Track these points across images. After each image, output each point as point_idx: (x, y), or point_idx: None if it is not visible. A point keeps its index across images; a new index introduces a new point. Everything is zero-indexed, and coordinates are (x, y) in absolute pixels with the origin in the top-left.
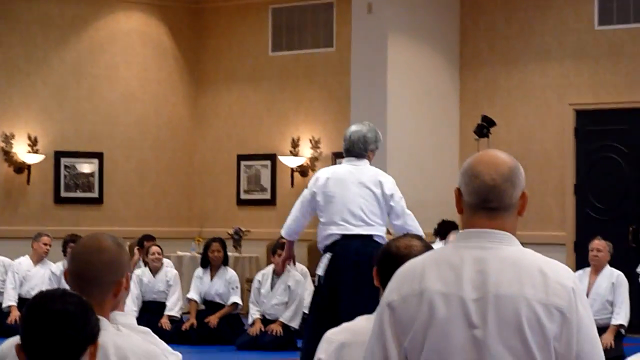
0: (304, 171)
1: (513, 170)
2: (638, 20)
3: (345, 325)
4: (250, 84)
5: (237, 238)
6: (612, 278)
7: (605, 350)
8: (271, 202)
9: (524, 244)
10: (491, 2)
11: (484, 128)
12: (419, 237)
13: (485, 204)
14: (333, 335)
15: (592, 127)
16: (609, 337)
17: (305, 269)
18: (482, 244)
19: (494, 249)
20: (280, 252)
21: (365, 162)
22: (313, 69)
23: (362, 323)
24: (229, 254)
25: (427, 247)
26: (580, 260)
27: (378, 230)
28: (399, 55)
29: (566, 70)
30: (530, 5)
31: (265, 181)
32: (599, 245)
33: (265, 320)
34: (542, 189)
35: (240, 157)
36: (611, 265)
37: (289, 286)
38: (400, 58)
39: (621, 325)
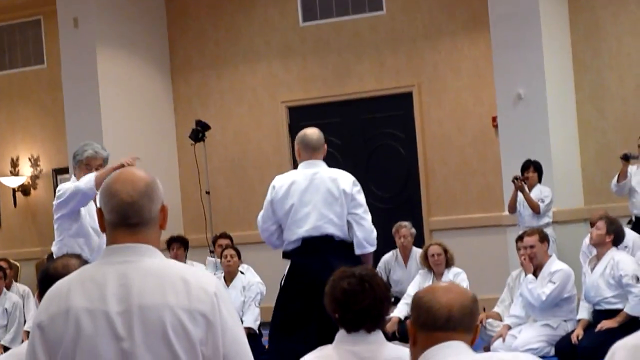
0: (25, 190)
1: (150, 185)
2: (340, 14)
3: (12, 351)
4: None
5: None
6: None
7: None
8: None
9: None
10: (197, 8)
11: (199, 132)
12: (77, 256)
13: (125, 220)
14: None
15: (306, 122)
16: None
17: (28, 289)
18: (124, 258)
19: (136, 262)
20: None
21: None
22: (26, 87)
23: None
24: None
25: (85, 264)
26: None
27: None
28: (109, 67)
29: (275, 69)
30: (235, 9)
31: None
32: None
33: None
34: (261, 189)
35: None
36: None
37: (6, 309)
38: (111, 70)
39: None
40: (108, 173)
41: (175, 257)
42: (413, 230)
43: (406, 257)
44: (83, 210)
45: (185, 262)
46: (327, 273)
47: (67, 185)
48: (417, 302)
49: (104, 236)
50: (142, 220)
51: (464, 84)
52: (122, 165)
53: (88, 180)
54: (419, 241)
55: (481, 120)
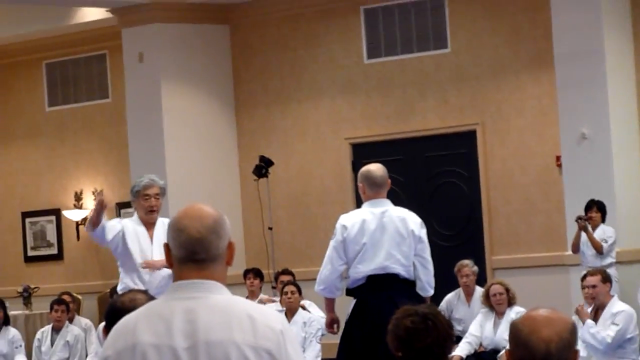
0: None
1: (218, 221)
2: (405, 51)
3: None
4: (29, 141)
5: (27, 295)
6: None
7: None
8: (58, 257)
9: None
10: (262, 44)
11: (262, 168)
12: (144, 292)
13: (193, 256)
14: None
15: (369, 159)
16: None
17: (90, 323)
18: (191, 294)
19: (203, 298)
20: (57, 307)
21: None
22: (90, 121)
23: None
24: (20, 312)
25: (152, 300)
26: None
27: None
28: (174, 101)
29: (339, 106)
30: (300, 45)
31: (52, 236)
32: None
33: None
34: (324, 225)
35: (25, 214)
36: None
37: (68, 342)
38: (175, 104)
39: None
40: (95, 212)
41: (251, 287)
42: (475, 269)
43: (469, 295)
44: (133, 245)
45: (260, 292)
46: (392, 310)
47: None
48: (515, 334)
49: (156, 272)
50: (210, 257)
51: (528, 123)
52: (101, 202)
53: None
54: (481, 280)
55: (545, 159)
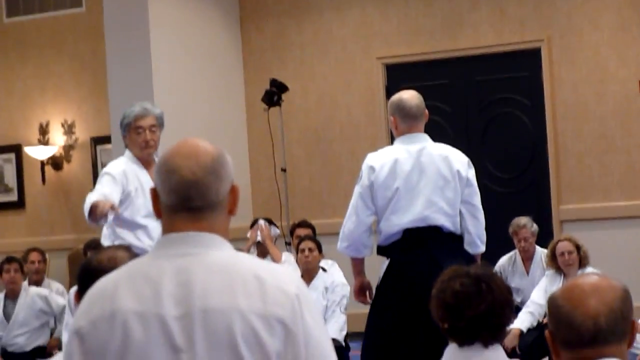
0: (57, 163)
1: (217, 160)
2: None
3: None
4: None
5: None
6: None
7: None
8: (19, 204)
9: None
10: None
11: (274, 95)
12: (126, 248)
13: (186, 203)
14: None
15: (407, 84)
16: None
17: (62, 288)
18: (185, 250)
19: (199, 255)
20: (7, 266)
21: None
22: (59, 35)
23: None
24: None
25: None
26: None
27: None
28: (163, 10)
29: (370, 16)
30: None
31: (10, 179)
32: None
33: (8, 355)
34: (350, 166)
35: None
36: None
37: (41, 309)
38: (166, 15)
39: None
40: (103, 207)
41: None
42: (535, 228)
43: (528, 260)
44: (137, 196)
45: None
46: (435, 271)
47: (100, 183)
48: (555, 312)
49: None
50: (207, 203)
51: (605, 39)
52: (113, 208)
53: (88, 202)
54: (545, 235)
55: (626, 84)
